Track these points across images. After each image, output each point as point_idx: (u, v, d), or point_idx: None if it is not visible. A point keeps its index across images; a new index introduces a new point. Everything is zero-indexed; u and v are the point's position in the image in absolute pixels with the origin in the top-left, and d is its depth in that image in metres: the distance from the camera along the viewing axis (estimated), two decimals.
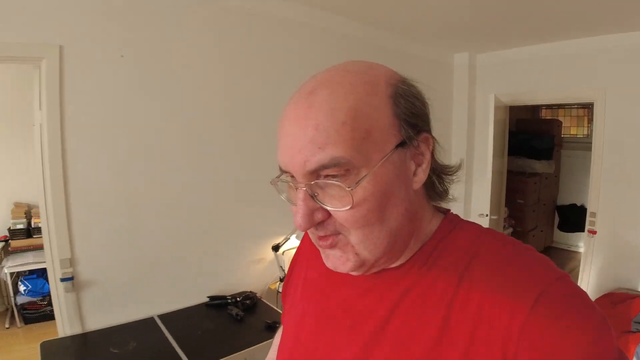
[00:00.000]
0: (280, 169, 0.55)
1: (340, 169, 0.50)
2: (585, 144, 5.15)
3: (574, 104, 5.62)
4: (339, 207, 0.51)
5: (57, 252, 2.03)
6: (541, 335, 0.45)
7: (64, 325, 2.14)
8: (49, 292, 3.62)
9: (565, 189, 5.81)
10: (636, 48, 3.03)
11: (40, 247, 3.80)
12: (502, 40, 3.50)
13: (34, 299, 3.62)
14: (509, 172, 4.21)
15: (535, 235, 5.35)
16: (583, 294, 0.49)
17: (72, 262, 2.06)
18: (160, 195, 2.29)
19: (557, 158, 5.64)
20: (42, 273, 3.69)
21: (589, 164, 3.42)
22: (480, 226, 0.62)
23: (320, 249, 0.59)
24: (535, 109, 5.99)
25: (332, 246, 0.55)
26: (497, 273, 0.51)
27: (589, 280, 3.34)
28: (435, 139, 0.59)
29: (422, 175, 0.56)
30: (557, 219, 5.82)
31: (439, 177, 0.62)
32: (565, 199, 5.82)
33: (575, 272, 4.63)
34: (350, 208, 0.50)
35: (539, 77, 3.60)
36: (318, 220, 0.53)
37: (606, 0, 2.40)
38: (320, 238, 0.56)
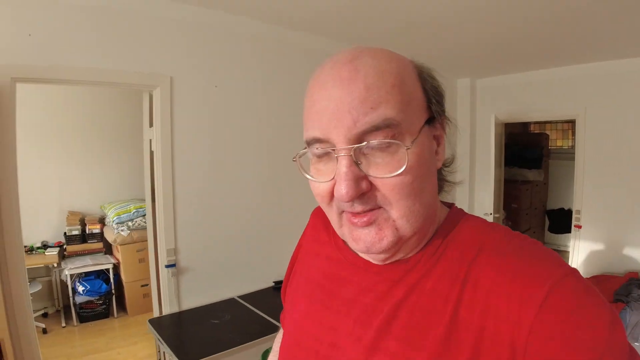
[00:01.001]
0: (311, 140, 0.54)
1: (389, 132, 0.50)
2: (570, 154, 5.97)
3: (559, 120, 6.45)
4: (386, 173, 0.51)
5: (165, 243, 2.66)
6: (551, 332, 0.45)
7: (164, 305, 2.75)
8: (106, 291, 4.20)
9: (554, 195, 6.64)
10: (610, 73, 3.84)
11: (94, 251, 4.40)
12: (498, 68, 4.28)
13: (92, 298, 4.17)
14: (504, 180, 4.96)
15: None
16: (593, 289, 0.48)
17: (175, 251, 2.68)
18: (238, 200, 2.94)
19: (546, 167, 6.47)
20: (98, 274, 4.25)
21: (574, 172, 4.19)
22: (485, 220, 0.63)
23: (347, 232, 0.58)
24: (525, 123, 6.81)
25: (369, 223, 0.54)
26: (505, 267, 0.52)
27: (577, 267, 4.07)
28: (450, 122, 0.61)
29: (442, 155, 0.60)
30: (547, 222, 6.63)
31: (443, 168, 0.64)
32: (554, 204, 6.64)
33: None
34: (402, 172, 0.50)
35: (530, 97, 4.41)
36: (363, 189, 0.52)
37: (584, 36, 3.14)
38: (355, 215, 0.54)
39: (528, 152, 6.09)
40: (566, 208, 6.38)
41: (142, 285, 4.31)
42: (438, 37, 3.19)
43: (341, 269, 0.67)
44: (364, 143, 0.50)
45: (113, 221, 4.19)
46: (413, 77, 0.55)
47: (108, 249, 4.51)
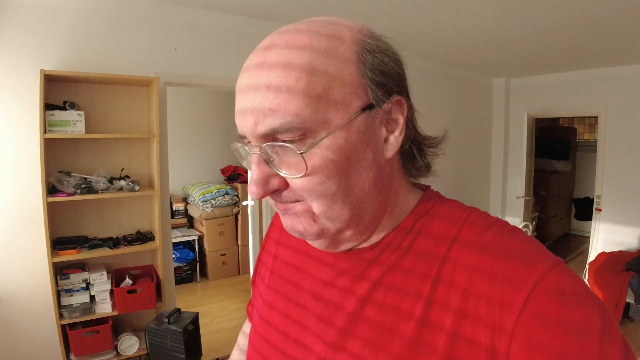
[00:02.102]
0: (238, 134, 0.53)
1: (294, 134, 0.47)
2: (596, 147, 6.66)
3: (586, 115, 7.12)
4: (294, 174, 0.48)
5: (269, 217, 3.49)
6: (538, 331, 0.42)
7: None
8: (192, 259, 5.08)
9: (580, 185, 7.32)
10: (629, 76, 4.53)
11: (179, 225, 5.29)
12: (530, 69, 5.00)
13: (180, 264, 5.04)
14: (535, 169, 5.69)
15: (555, 222, 6.84)
16: (581, 283, 0.45)
17: None
18: None
19: (573, 159, 7.14)
20: (184, 245, 5.13)
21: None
22: (462, 204, 0.58)
23: (281, 218, 0.57)
24: (555, 118, 7.48)
25: (287, 211, 0.54)
26: (484, 257, 0.48)
27: (597, 246, 4.82)
28: (411, 104, 0.55)
29: (394, 143, 0.53)
30: (573, 210, 7.31)
31: (419, 150, 0.59)
32: (580, 193, 7.34)
33: (586, 252, 6.09)
34: (304, 175, 0.48)
35: (559, 96, 5.13)
36: (274, 187, 0.51)
37: (606, 43, 3.81)
38: (277, 203, 0.55)
39: (557, 144, 6.77)
40: (591, 197, 7.05)
41: (221, 255, 5.19)
42: (476, 39, 3.88)
43: (305, 261, 0.65)
44: (266, 145, 0.48)
45: (198, 200, 5.06)
46: (339, 60, 0.48)
47: (190, 223, 5.40)
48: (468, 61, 4.67)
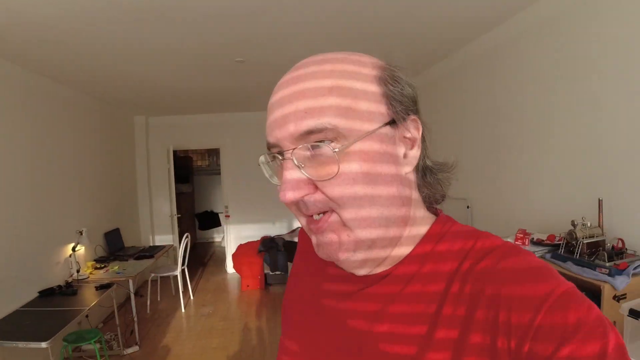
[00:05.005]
0: (268, 146, 0.56)
1: (328, 135, 0.51)
2: (209, 170, 8.62)
3: (199, 149, 8.96)
4: (324, 177, 0.52)
5: None
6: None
7: None
8: None
9: (199, 202, 9.12)
10: (240, 120, 6.45)
11: None
12: (166, 110, 6.17)
13: None
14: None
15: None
16: (598, 312, 0.45)
17: None
18: None
19: (192, 181, 8.82)
20: None
21: (214, 183, 6.65)
22: (476, 229, 0.60)
23: (313, 239, 0.59)
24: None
25: (322, 230, 0.55)
26: (494, 279, 0.50)
27: (230, 242, 6.58)
28: (425, 125, 0.59)
29: (412, 159, 0.57)
30: (197, 223, 9.04)
31: (431, 172, 0.62)
32: (200, 208, 9.18)
33: (214, 255, 7.78)
34: (337, 176, 0.51)
35: (192, 132, 6.57)
36: (304, 193, 0.53)
37: (229, 95, 5.37)
38: (311, 221, 0.56)
39: (180, 170, 8.25)
40: (209, 210, 8.96)
41: None
42: (119, 80, 4.35)
43: (328, 287, 0.66)
44: (300, 146, 0.52)
45: None
46: (364, 79, 0.54)
47: None
48: (116, 98, 5.18)
